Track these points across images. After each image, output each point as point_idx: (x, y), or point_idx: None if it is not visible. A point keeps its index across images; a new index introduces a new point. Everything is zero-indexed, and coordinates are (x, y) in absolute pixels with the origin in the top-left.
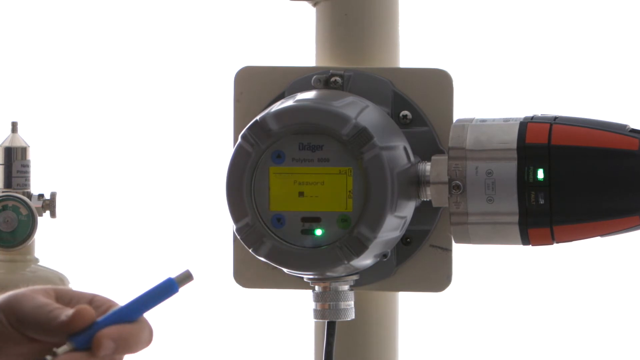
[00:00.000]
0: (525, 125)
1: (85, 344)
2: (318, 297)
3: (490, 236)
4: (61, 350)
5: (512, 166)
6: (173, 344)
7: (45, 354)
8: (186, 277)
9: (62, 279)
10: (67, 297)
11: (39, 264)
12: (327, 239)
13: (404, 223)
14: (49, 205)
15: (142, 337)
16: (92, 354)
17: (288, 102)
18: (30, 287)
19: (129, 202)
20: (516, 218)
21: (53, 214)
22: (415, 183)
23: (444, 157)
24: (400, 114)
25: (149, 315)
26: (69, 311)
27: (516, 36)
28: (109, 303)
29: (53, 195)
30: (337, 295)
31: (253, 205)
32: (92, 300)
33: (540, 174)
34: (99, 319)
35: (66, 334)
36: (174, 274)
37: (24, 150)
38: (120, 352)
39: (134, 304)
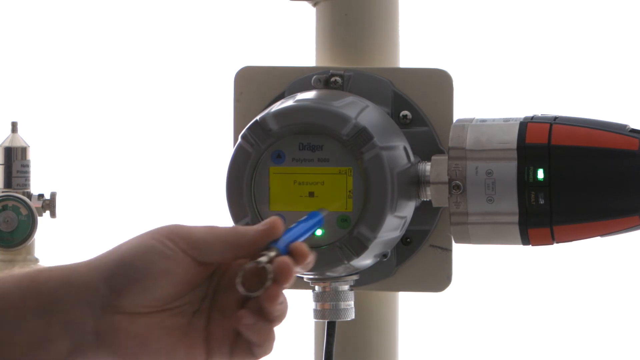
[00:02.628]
0: (525, 125)
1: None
2: (318, 297)
3: (490, 236)
4: (272, 254)
5: (512, 166)
6: None
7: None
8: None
9: None
10: None
11: (39, 264)
12: (327, 239)
13: (404, 223)
14: (49, 205)
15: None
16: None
17: (288, 102)
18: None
19: (129, 202)
20: (516, 218)
21: (53, 214)
22: (415, 183)
23: (444, 157)
24: (400, 114)
25: None
26: (262, 223)
27: (516, 36)
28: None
29: (53, 195)
30: (337, 295)
31: (253, 205)
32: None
33: (540, 174)
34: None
35: (252, 249)
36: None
37: (24, 150)
38: (309, 267)
39: (297, 230)
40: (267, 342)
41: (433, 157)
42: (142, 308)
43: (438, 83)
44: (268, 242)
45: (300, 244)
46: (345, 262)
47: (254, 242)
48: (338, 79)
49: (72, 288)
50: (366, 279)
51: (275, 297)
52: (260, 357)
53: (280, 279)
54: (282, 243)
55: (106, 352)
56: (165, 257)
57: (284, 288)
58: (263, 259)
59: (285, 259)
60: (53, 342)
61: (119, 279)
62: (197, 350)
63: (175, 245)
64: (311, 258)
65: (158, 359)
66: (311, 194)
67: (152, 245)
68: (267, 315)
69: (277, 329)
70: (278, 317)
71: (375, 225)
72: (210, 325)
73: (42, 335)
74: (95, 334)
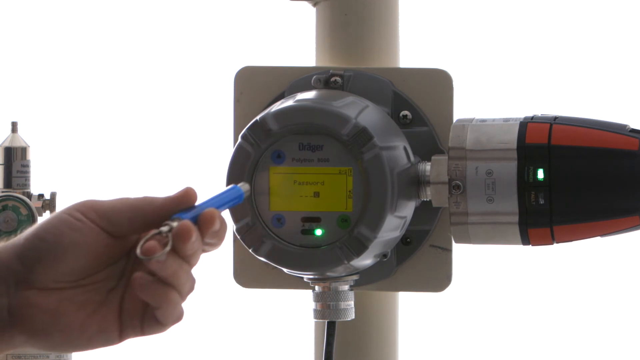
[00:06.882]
0: (525, 125)
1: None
2: (318, 297)
3: (490, 236)
4: (175, 224)
5: (512, 166)
6: (173, 344)
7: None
8: (247, 189)
9: None
10: None
11: None
12: (327, 239)
13: (404, 223)
14: (49, 205)
15: (225, 230)
16: (199, 229)
17: (288, 102)
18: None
19: None
20: (516, 218)
21: None
22: (415, 183)
23: (444, 157)
24: (400, 114)
25: None
26: (175, 192)
27: (516, 36)
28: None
29: (53, 195)
30: (337, 295)
31: (253, 205)
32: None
33: (540, 174)
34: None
35: (161, 216)
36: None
37: (24, 150)
38: (219, 235)
39: (213, 201)
40: (164, 303)
41: (433, 157)
42: (54, 283)
43: (438, 83)
44: (178, 210)
45: (210, 212)
46: (345, 262)
47: (162, 208)
48: (338, 79)
49: None
50: (366, 279)
51: (167, 261)
52: (167, 323)
53: (177, 241)
54: (192, 214)
55: (18, 329)
56: (73, 229)
57: (186, 253)
58: (164, 228)
59: (186, 222)
60: None
61: (30, 253)
62: (110, 325)
63: (85, 216)
64: (219, 225)
65: (70, 334)
66: (311, 194)
67: (62, 218)
68: (160, 278)
69: (277, 329)
70: (172, 281)
71: (375, 225)
72: (123, 301)
73: None
74: (8, 312)
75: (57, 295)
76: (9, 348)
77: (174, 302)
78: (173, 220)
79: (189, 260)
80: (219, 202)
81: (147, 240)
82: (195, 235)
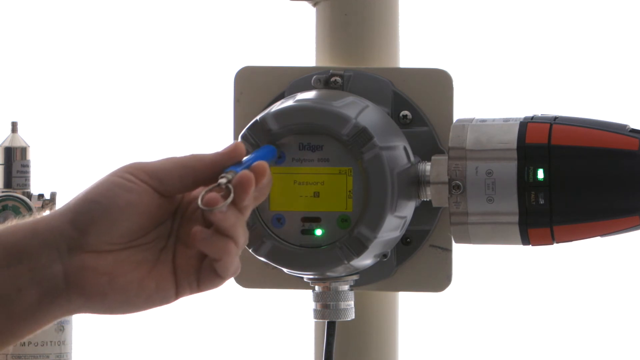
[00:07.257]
0: (525, 125)
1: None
2: (318, 297)
3: (490, 236)
4: (231, 177)
5: (512, 166)
6: (173, 344)
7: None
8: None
9: None
10: None
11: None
12: (327, 239)
13: (404, 223)
14: (49, 205)
15: (270, 185)
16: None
17: (288, 102)
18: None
19: None
20: (516, 218)
21: None
22: (415, 183)
23: (444, 157)
24: (400, 114)
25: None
26: (224, 147)
27: (516, 36)
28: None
29: (53, 195)
30: (337, 295)
31: None
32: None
33: (540, 174)
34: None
35: (211, 172)
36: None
37: (24, 150)
38: (265, 190)
39: (257, 157)
40: (225, 255)
41: (433, 157)
42: (109, 245)
43: (438, 83)
44: (228, 165)
45: (261, 162)
46: (345, 262)
47: (213, 163)
48: (338, 79)
49: (38, 236)
50: (366, 279)
51: (227, 212)
52: (226, 276)
53: (239, 191)
54: (243, 167)
55: (76, 293)
56: (127, 190)
57: (244, 204)
58: (222, 180)
59: (247, 172)
60: (22, 292)
61: (83, 217)
62: (167, 283)
63: (136, 177)
64: (268, 177)
65: (128, 294)
66: (311, 194)
67: (114, 180)
68: (219, 229)
69: (277, 329)
70: (231, 233)
71: (375, 225)
72: (176, 258)
73: (10, 287)
74: (64, 277)
75: (112, 257)
76: (65, 313)
77: (234, 253)
78: (227, 173)
79: (244, 212)
80: (261, 158)
81: (207, 193)
82: (254, 185)
